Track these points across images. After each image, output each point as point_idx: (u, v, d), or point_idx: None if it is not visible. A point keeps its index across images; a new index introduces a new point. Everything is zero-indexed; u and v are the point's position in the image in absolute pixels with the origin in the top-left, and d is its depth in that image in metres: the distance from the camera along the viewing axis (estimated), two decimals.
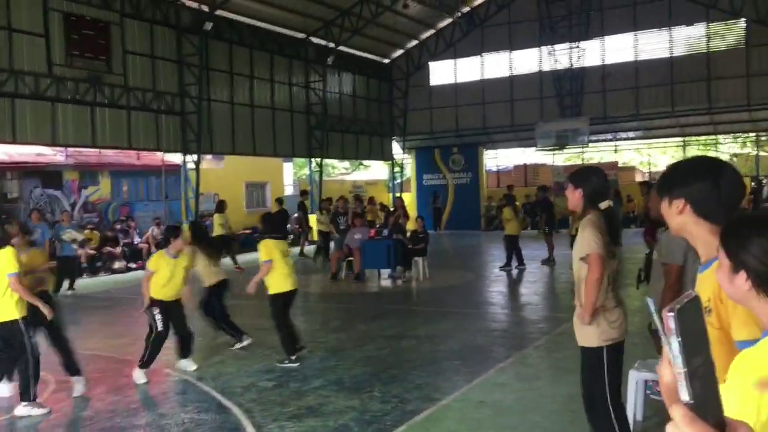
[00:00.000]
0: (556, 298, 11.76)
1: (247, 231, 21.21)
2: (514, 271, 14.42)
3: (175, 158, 20.40)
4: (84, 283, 14.97)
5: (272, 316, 7.46)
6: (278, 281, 7.40)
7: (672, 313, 0.95)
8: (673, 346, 0.95)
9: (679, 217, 1.98)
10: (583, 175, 3.99)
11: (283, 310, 7.45)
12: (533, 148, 27.73)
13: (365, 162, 36.67)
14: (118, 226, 18.68)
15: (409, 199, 27.55)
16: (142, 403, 6.14)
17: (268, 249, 7.44)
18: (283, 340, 7.35)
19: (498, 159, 30.99)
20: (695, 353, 0.96)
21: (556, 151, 27.92)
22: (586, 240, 3.75)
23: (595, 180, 3.93)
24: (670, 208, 1.99)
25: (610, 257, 3.83)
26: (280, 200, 18.81)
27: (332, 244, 16.53)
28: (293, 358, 7.24)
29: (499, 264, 15.03)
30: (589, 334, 3.81)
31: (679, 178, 1.99)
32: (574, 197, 3.91)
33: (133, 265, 17.36)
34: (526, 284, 13.19)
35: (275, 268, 7.37)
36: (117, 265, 17.02)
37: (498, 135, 28.01)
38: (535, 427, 5.16)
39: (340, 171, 41.04)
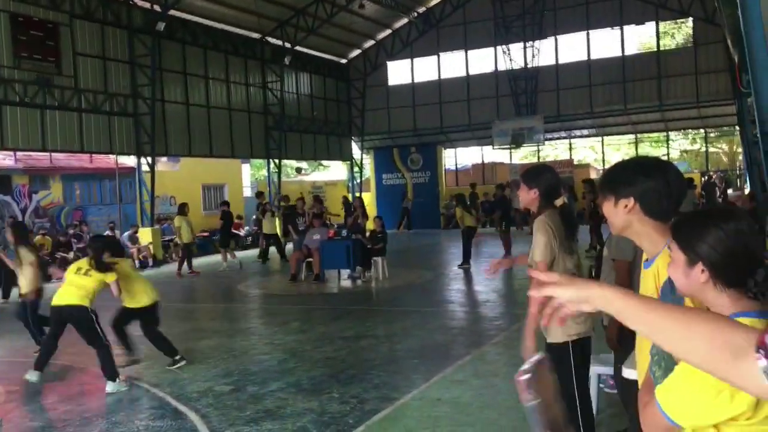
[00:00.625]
0: (513, 295, 11.88)
1: (205, 234, 20.95)
2: (473, 269, 14.54)
3: (129, 161, 20.06)
4: None
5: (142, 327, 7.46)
6: (136, 297, 7.31)
7: (525, 377, 0.99)
8: (528, 410, 0.99)
9: (626, 216, 2.00)
10: (535, 173, 3.94)
11: (150, 322, 7.43)
12: (490, 147, 28.02)
13: (324, 162, 36.57)
14: (71, 231, 18.26)
15: (369, 198, 27.58)
16: (96, 411, 6.02)
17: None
18: (161, 347, 7.40)
19: (456, 158, 31.22)
20: (550, 411, 1.00)
21: (513, 150, 28.27)
22: (535, 245, 3.74)
23: (549, 177, 3.90)
24: (616, 206, 2.01)
25: (567, 253, 3.85)
26: (225, 203, 18.66)
27: (291, 245, 16.48)
28: (177, 357, 7.26)
29: (458, 262, 15.14)
30: (553, 330, 3.77)
31: (627, 177, 2.01)
32: (528, 197, 3.87)
33: None
34: (484, 282, 13.30)
35: (133, 284, 7.29)
36: None
37: (456, 134, 28.25)
38: (491, 423, 5.22)
39: (301, 171, 40.78)
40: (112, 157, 19.83)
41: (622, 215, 2.00)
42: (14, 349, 8.75)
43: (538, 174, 3.93)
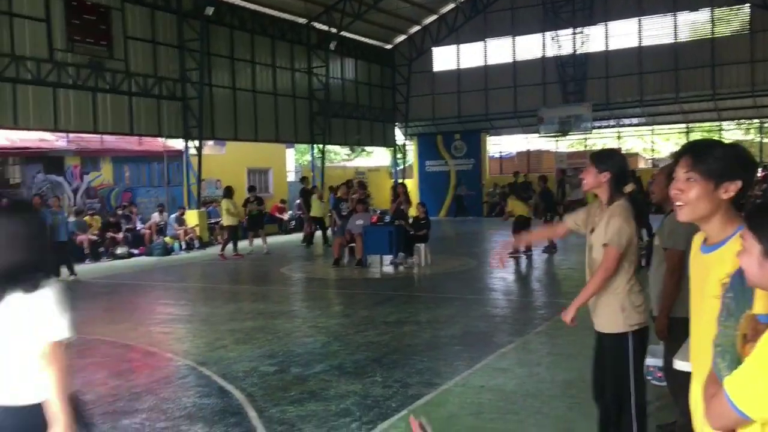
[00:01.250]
0: (557, 285, 11.77)
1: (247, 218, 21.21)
2: (522, 258, 14.30)
3: (177, 144, 20.40)
4: (86, 268, 15.02)
5: None
6: None
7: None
8: None
9: (720, 201, 1.91)
10: (607, 155, 3.80)
11: None
12: (536, 135, 27.66)
13: (367, 148, 36.61)
14: (120, 212, 18.69)
15: (412, 185, 27.55)
16: (144, 388, 6.17)
17: None
18: None
19: (501, 145, 30.92)
20: None
21: (559, 138, 27.84)
22: (615, 230, 3.60)
23: (620, 160, 3.77)
24: (716, 190, 1.90)
25: (635, 241, 3.74)
26: (252, 188, 18.74)
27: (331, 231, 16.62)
28: None
29: (503, 249, 14.90)
30: (613, 320, 3.70)
31: (736, 163, 1.93)
32: (597, 180, 3.71)
33: (136, 251, 17.41)
34: (528, 271, 13.19)
35: None
36: (119, 250, 17.05)
37: (501, 121, 27.95)
38: (535, 412, 5.18)
39: (343, 157, 40.94)
40: (160, 139, 20.21)
41: (716, 199, 1.91)
42: None
43: (610, 156, 3.78)
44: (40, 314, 2.46)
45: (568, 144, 30.44)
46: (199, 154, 19.23)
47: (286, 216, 23.29)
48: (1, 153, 17.38)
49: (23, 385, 2.49)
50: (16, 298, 2.46)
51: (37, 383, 2.48)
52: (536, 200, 16.50)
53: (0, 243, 2.54)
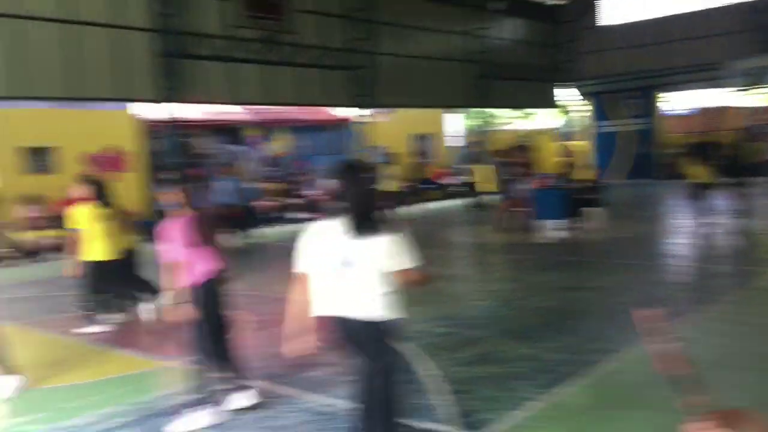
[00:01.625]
0: (749, 252, 10.83)
1: (410, 183, 21.50)
2: (697, 225, 13.15)
3: (346, 112, 21.07)
4: (266, 232, 16.01)
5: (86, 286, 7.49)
6: (92, 249, 7.23)
7: None
8: None
9: None
10: None
11: (96, 279, 7.35)
12: (720, 90, 25.34)
13: (530, 110, 35.63)
14: (296, 179, 19.74)
15: (585, 147, 26.50)
16: (325, 345, 6.52)
17: (80, 216, 7.24)
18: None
19: (678, 102, 28.73)
20: None
21: (751, 92, 25.27)
22: None
23: None
24: None
25: None
26: (420, 154, 18.67)
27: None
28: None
29: (682, 214, 13.79)
30: None
31: None
32: None
33: (308, 216, 18.38)
34: (712, 237, 12.22)
35: (91, 236, 7.20)
36: (295, 215, 18.08)
37: (678, 76, 25.91)
38: (725, 383, 4.84)
39: (506, 120, 40.06)
40: (331, 109, 20.98)
41: None
42: (255, 283, 9.68)
43: None
44: (391, 250, 3.45)
45: (759, 99, 27.62)
46: (369, 123, 19.73)
47: (449, 181, 23.37)
48: (192, 126, 18.92)
49: (376, 305, 3.48)
50: (372, 238, 3.43)
51: (385, 304, 3.49)
52: (717, 163, 14.98)
53: (361, 195, 3.49)
